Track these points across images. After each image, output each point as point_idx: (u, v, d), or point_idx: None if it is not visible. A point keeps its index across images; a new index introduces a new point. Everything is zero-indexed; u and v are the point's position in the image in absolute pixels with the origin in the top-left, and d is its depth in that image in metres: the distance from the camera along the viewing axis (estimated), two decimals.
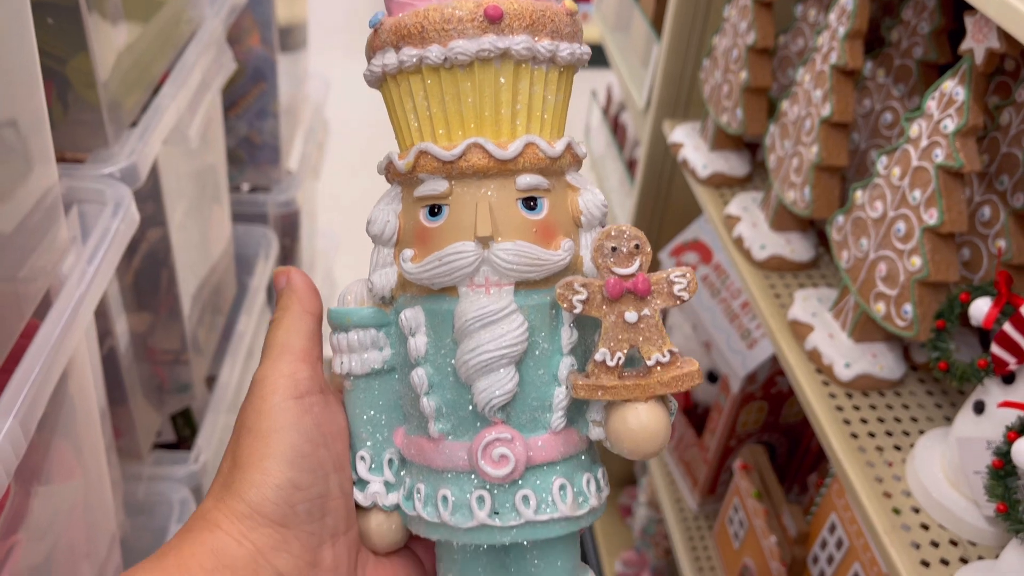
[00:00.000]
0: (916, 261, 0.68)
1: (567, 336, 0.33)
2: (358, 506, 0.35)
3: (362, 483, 0.34)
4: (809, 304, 0.81)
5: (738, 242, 0.90)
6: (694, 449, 1.11)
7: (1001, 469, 0.55)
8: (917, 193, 0.68)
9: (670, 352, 0.31)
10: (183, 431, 0.97)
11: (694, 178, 1.00)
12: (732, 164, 0.99)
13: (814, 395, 0.75)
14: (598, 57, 1.89)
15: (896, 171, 0.70)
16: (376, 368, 0.34)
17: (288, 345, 0.34)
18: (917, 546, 0.64)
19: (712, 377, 1.14)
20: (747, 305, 1.04)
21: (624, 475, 1.57)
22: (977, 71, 0.63)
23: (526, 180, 0.33)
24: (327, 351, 0.34)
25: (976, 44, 0.63)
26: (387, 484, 0.34)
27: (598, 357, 0.31)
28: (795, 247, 0.88)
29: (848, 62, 0.77)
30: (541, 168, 0.33)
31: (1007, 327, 0.59)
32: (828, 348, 0.76)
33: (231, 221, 1.04)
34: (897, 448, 0.71)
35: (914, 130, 0.68)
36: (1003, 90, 0.76)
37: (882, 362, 0.75)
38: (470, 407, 0.32)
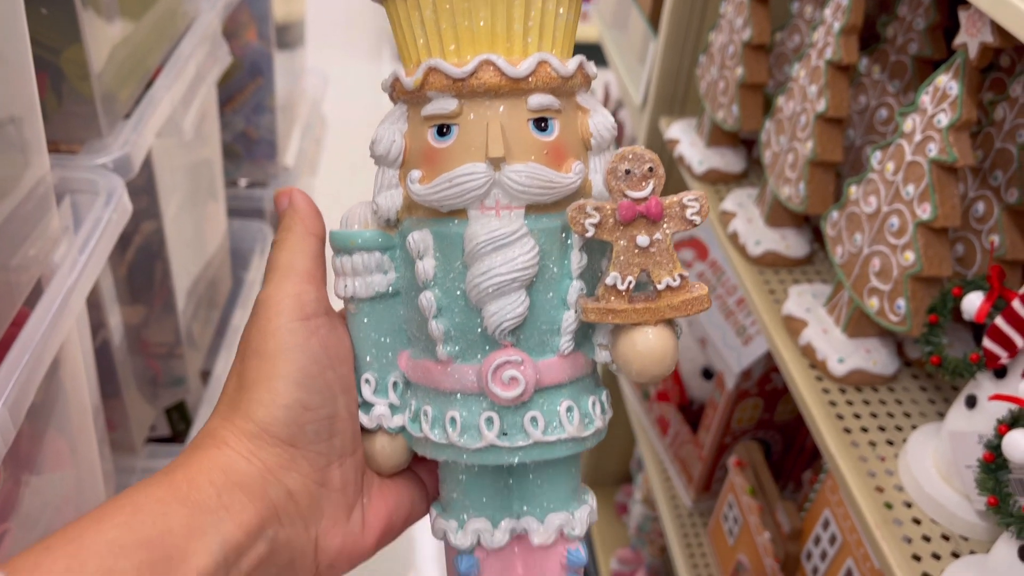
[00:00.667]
0: (909, 256, 0.68)
1: (576, 260, 0.32)
2: (363, 429, 0.34)
3: (367, 406, 0.34)
4: (803, 299, 0.81)
5: (733, 238, 0.90)
6: (689, 446, 1.11)
7: (992, 462, 0.55)
8: (911, 188, 0.68)
9: (680, 276, 0.31)
10: (178, 425, 0.97)
11: (690, 174, 1.00)
12: (728, 160, 0.99)
13: (807, 390, 0.75)
14: (596, 56, 1.89)
15: (890, 166, 0.70)
16: (380, 292, 0.33)
17: (292, 266, 0.33)
18: (909, 540, 0.64)
19: (707, 374, 1.14)
20: (742, 302, 1.04)
21: (620, 473, 1.56)
22: (971, 65, 0.63)
23: (537, 100, 0.32)
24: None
25: (970, 38, 0.63)
26: (392, 407, 0.34)
27: (609, 281, 0.31)
28: (790, 243, 0.88)
29: (843, 57, 0.77)
30: (553, 88, 0.32)
31: (999, 321, 0.59)
32: (822, 343, 0.76)
33: (227, 216, 1.04)
34: (890, 443, 0.71)
35: (908, 125, 0.68)
36: (998, 86, 0.76)
37: (876, 357, 0.75)
38: (479, 330, 0.32)
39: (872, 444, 0.71)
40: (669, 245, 0.31)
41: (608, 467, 1.56)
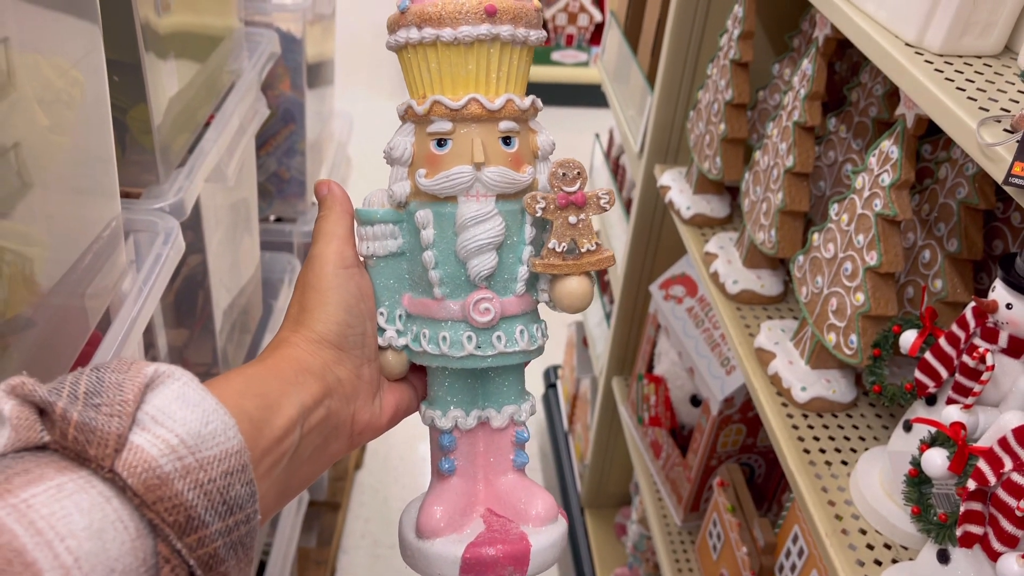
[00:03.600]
0: (860, 297, 0.77)
1: (528, 233, 0.47)
2: (379, 347, 0.48)
3: (381, 330, 0.48)
4: (773, 334, 0.90)
5: (714, 277, 0.99)
6: (679, 468, 1.20)
7: (916, 477, 0.64)
8: (861, 237, 0.77)
9: (596, 243, 0.46)
10: None
11: (679, 218, 1.10)
12: (713, 206, 1.08)
13: (773, 415, 0.84)
14: (598, 98, 2.01)
15: (845, 217, 0.80)
16: (392, 251, 0.48)
17: (335, 233, 0.47)
18: (854, 548, 0.72)
19: (696, 401, 1.23)
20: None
21: (620, 496, 1.65)
22: (909, 133, 0.72)
23: (505, 124, 0.46)
24: None
25: (907, 110, 0.72)
26: (398, 332, 0.48)
27: (550, 245, 0.46)
28: (765, 282, 0.97)
29: (808, 120, 0.86)
30: (515, 116, 0.47)
31: (928, 355, 0.68)
32: (787, 373, 0.85)
33: (260, 248, 1.15)
34: (844, 463, 0.80)
35: (859, 182, 0.78)
36: (948, 146, 0.85)
37: (835, 387, 0.84)
38: (464, 278, 0.46)
39: (828, 464, 0.80)
40: (589, 222, 0.46)
41: (609, 490, 1.64)
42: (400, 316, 0.48)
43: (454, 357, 0.46)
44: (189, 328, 0.94)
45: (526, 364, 0.50)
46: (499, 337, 0.46)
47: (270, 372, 0.41)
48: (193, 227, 0.88)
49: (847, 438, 0.83)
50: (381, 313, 0.48)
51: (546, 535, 0.46)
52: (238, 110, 0.91)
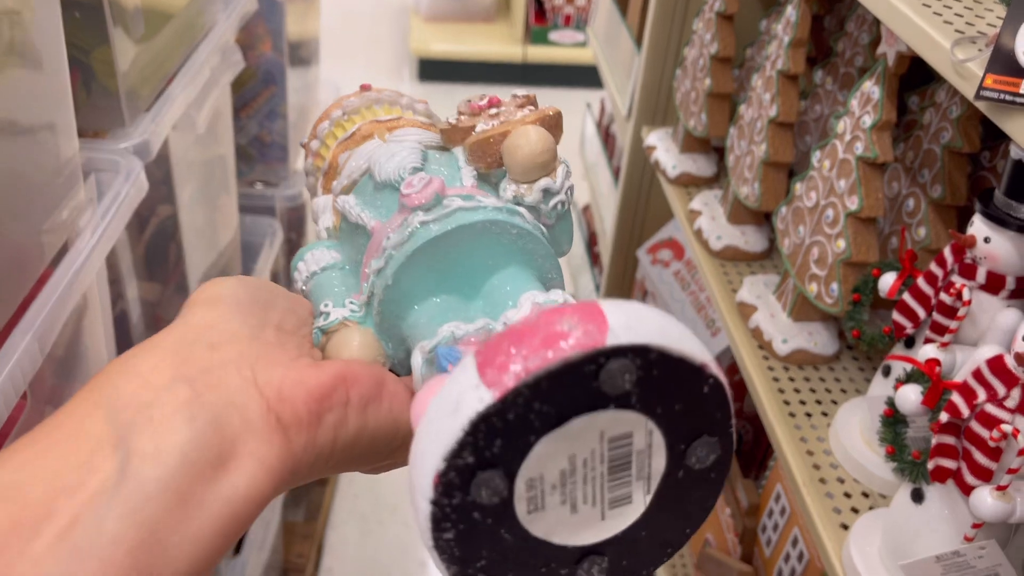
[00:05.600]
0: (841, 244, 0.75)
1: (462, 156, 0.43)
2: (330, 334, 0.39)
3: (324, 315, 0.39)
4: (755, 288, 0.88)
5: (698, 233, 0.97)
6: None
7: (892, 417, 0.62)
8: (842, 183, 0.75)
9: (530, 109, 0.42)
10: None
11: (665, 178, 1.08)
12: (699, 165, 1.06)
13: (754, 367, 0.82)
14: (593, 78, 1.99)
15: (827, 164, 0.78)
16: (329, 264, 0.43)
17: None
18: (831, 496, 0.70)
19: None
20: None
21: None
22: (890, 72, 0.71)
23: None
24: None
25: (888, 48, 0.70)
26: (351, 311, 0.39)
27: (479, 128, 0.42)
28: (749, 239, 0.95)
29: (791, 67, 0.84)
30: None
31: (906, 296, 0.66)
32: (769, 326, 0.83)
33: (240, 212, 1.13)
34: (824, 415, 0.78)
35: (840, 126, 0.76)
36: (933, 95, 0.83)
37: (817, 339, 0.82)
38: (392, 197, 0.40)
39: (808, 415, 0.78)
40: (513, 111, 0.43)
41: None
42: (350, 303, 0.40)
43: (403, 241, 0.37)
44: (162, 283, 0.93)
45: (526, 253, 0.39)
46: (452, 199, 0.38)
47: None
48: (164, 178, 0.86)
49: (828, 390, 0.81)
50: (325, 304, 0.39)
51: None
52: (210, 60, 0.90)
